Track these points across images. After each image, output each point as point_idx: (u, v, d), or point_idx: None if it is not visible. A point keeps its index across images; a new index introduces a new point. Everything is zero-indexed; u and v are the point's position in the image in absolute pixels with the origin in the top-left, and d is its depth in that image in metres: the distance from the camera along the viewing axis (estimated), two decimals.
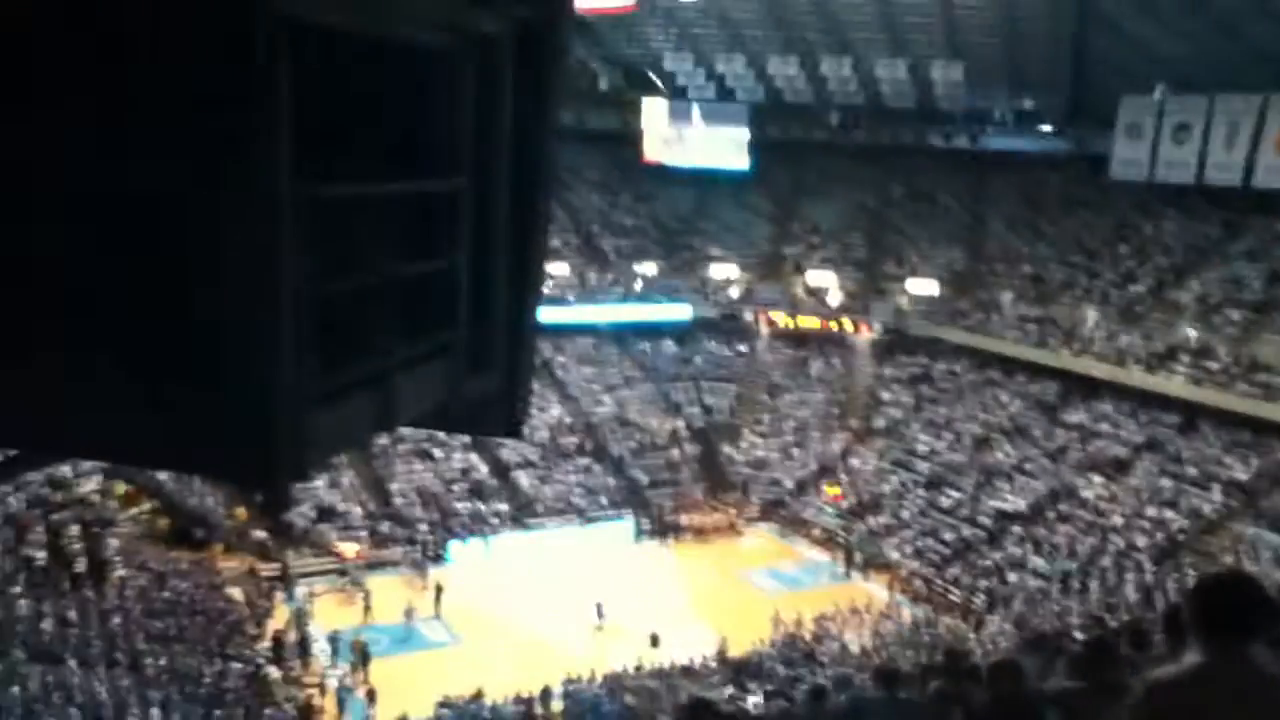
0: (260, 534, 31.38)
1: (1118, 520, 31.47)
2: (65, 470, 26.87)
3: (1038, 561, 30.82)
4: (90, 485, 28.40)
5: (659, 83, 49.52)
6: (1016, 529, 32.77)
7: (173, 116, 1.98)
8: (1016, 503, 33.90)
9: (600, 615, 28.45)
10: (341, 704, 23.36)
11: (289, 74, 1.92)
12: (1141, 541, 30.15)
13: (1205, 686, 2.91)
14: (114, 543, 26.25)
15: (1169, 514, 30.84)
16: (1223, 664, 2.94)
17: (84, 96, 1.96)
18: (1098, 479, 33.50)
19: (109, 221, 2.06)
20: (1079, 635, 10.43)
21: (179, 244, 2.04)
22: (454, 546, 33.42)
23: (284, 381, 2.05)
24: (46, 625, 21.09)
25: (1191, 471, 32.13)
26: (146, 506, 30.60)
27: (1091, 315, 38.47)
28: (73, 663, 19.86)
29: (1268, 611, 3.09)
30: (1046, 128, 44.37)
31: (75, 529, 25.29)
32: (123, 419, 2.16)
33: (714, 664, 25.56)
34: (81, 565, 24.20)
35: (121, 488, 29.71)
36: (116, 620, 22.65)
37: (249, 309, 2.01)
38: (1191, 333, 35.12)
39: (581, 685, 23.74)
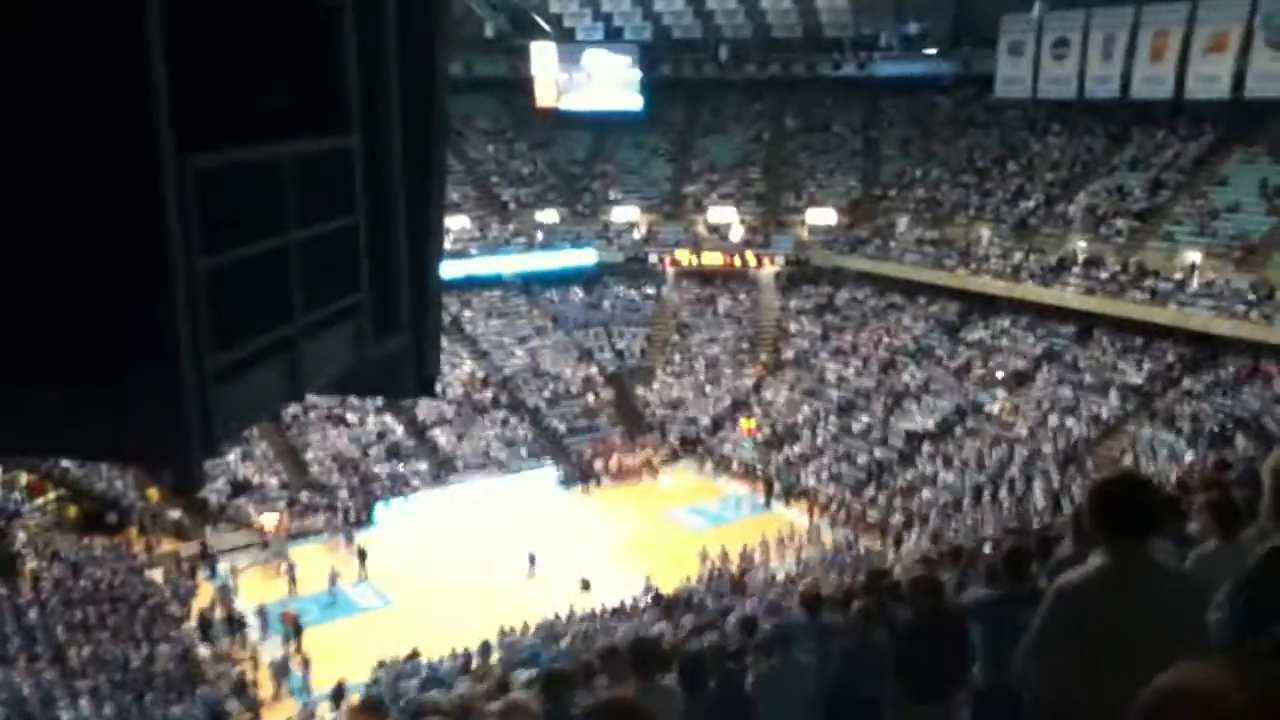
0: (175, 513, 30.73)
1: (1022, 431, 32.49)
2: None
3: (948, 477, 31.70)
4: None
5: (546, 25, 48.83)
6: (927, 447, 33.62)
7: (51, 92, 1.90)
8: (925, 422, 34.75)
9: (532, 565, 28.56)
10: (276, 676, 23.16)
11: (163, 38, 1.85)
12: (1046, 449, 31.20)
13: (1110, 587, 3.05)
14: (22, 535, 25.48)
15: (1070, 421, 31.92)
16: (1125, 564, 3.07)
17: None
18: (1001, 392, 34.48)
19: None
20: (990, 547, 10.80)
21: (69, 231, 1.97)
22: (378, 510, 33.12)
23: (185, 358, 2.01)
24: None
25: (1089, 379, 33.27)
26: (53, 495, 29.72)
27: (985, 234, 39.34)
28: None
29: (1162, 510, 3.22)
30: (932, 51, 44.93)
31: None
32: (23, 406, 2.09)
33: (645, 603, 25.86)
34: None
35: (24, 478, 28.80)
36: (33, 614, 22.06)
37: (143, 288, 1.96)
38: (1082, 244, 36.15)
39: (515, 636, 23.85)
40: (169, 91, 1.84)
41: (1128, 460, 28.47)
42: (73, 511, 29.81)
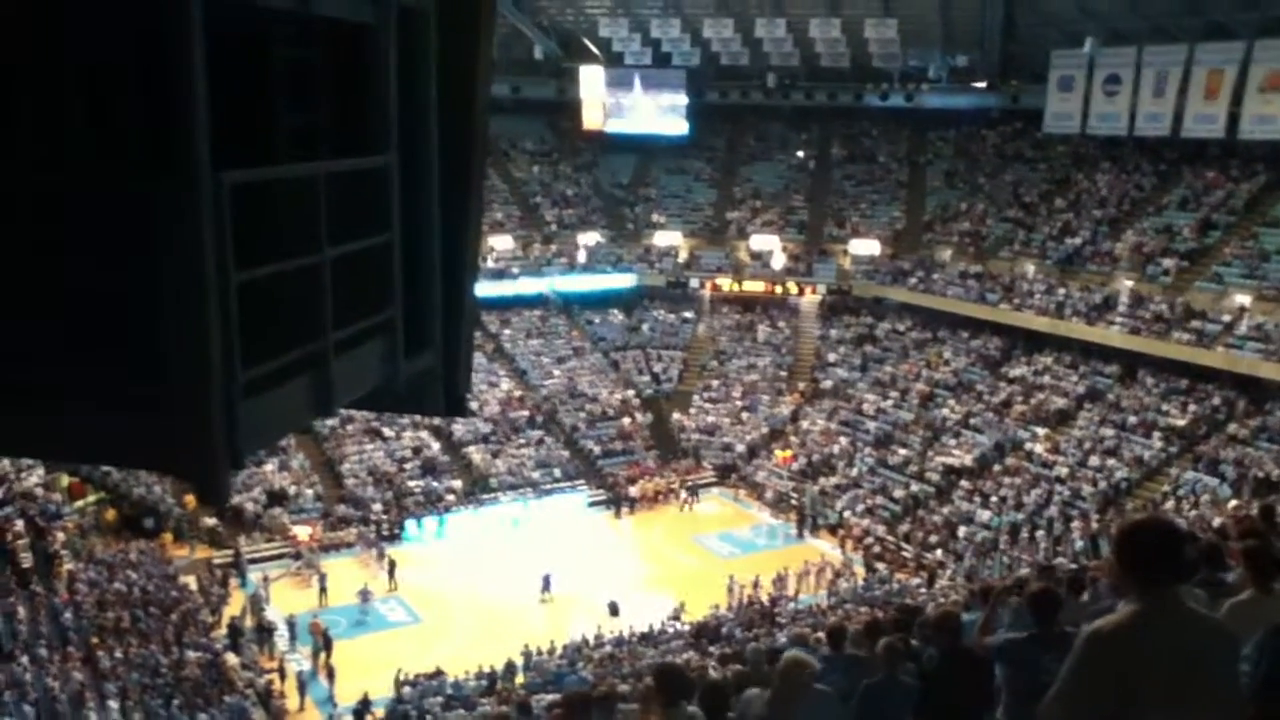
0: (211, 521, 31.02)
1: (1062, 470, 32.05)
2: (5, 465, 26.33)
3: (985, 515, 31.33)
4: (33, 479, 27.85)
5: (595, 50, 49.17)
6: (964, 483, 33.25)
7: (88, 106, 1.93)
8: (963, 457, 34.38)
9: (546, 588, 28.47)
10: (303, 687, 23.24)
11: (206, 57, 1.88)
12: (1086, 490, 30.75)
13: (1143, 632, 2.99)
14: (61, 536, 25.78)
15: (1111, 462, 31.47)
16: (1158, 610, 3.01)
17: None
18: (1041, 431, 34.07)
19: (34, 226, 2.01)
20: (1022, 587, 10.64)
21: (104, 243, 2.00)
22: (409, 525, 33.22)
23: (215, 371, 2.03)
24: None
25: (1132, 420, 32.78)
26: (92, 498, 30.10)
27: (1030, 269, 39.01)
28: (25, 660, 19.51)
29: (1196, 556, 3.16)
30: (980, 84, 44.77)
31: (20, 524, 24.78)
32: (59, 412, 2.12)
33: (673, 629, 25.74)
34: (28, 561, 23.74)
35: (65, 480, 29.18)
36: (68, 615, 22.28)
37: (175, 300, 1.98)
38: (1128, 283, 35.73)
39: (542, 658, 23.80)
40: (206, 107, 1.87)
41: (1168, 505, 28.00)
42: (111, 515, 30.18)
